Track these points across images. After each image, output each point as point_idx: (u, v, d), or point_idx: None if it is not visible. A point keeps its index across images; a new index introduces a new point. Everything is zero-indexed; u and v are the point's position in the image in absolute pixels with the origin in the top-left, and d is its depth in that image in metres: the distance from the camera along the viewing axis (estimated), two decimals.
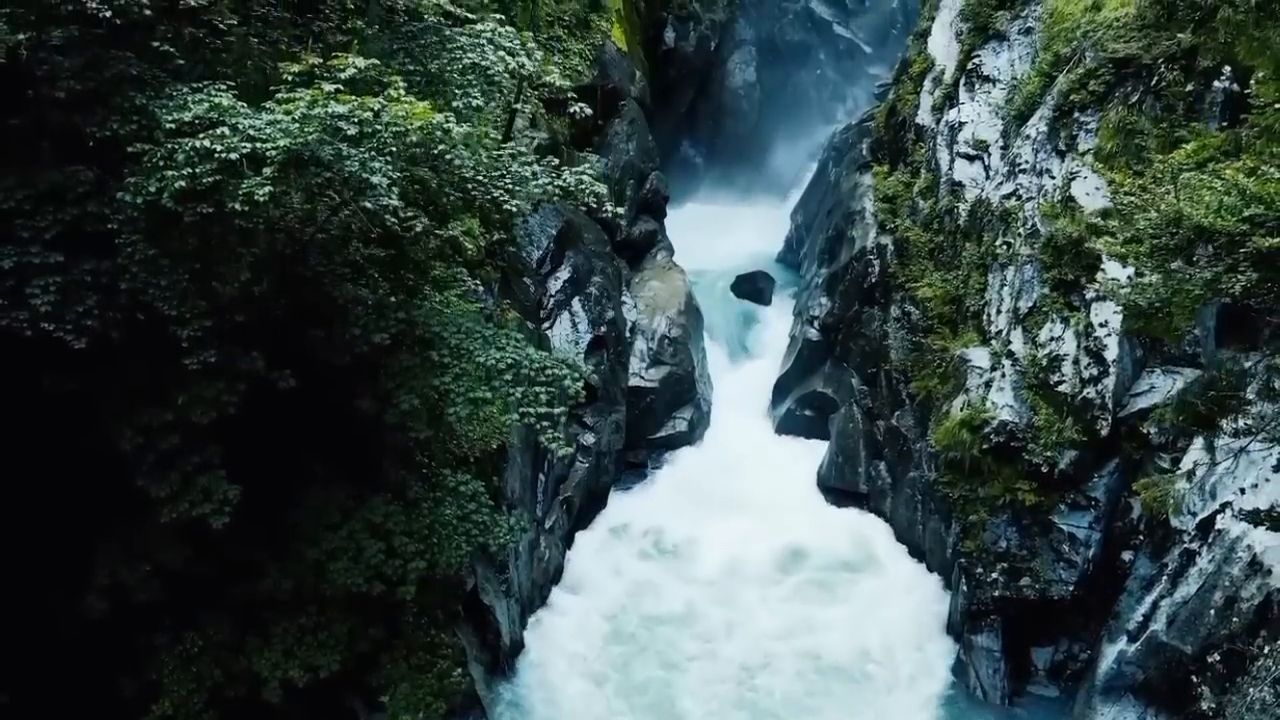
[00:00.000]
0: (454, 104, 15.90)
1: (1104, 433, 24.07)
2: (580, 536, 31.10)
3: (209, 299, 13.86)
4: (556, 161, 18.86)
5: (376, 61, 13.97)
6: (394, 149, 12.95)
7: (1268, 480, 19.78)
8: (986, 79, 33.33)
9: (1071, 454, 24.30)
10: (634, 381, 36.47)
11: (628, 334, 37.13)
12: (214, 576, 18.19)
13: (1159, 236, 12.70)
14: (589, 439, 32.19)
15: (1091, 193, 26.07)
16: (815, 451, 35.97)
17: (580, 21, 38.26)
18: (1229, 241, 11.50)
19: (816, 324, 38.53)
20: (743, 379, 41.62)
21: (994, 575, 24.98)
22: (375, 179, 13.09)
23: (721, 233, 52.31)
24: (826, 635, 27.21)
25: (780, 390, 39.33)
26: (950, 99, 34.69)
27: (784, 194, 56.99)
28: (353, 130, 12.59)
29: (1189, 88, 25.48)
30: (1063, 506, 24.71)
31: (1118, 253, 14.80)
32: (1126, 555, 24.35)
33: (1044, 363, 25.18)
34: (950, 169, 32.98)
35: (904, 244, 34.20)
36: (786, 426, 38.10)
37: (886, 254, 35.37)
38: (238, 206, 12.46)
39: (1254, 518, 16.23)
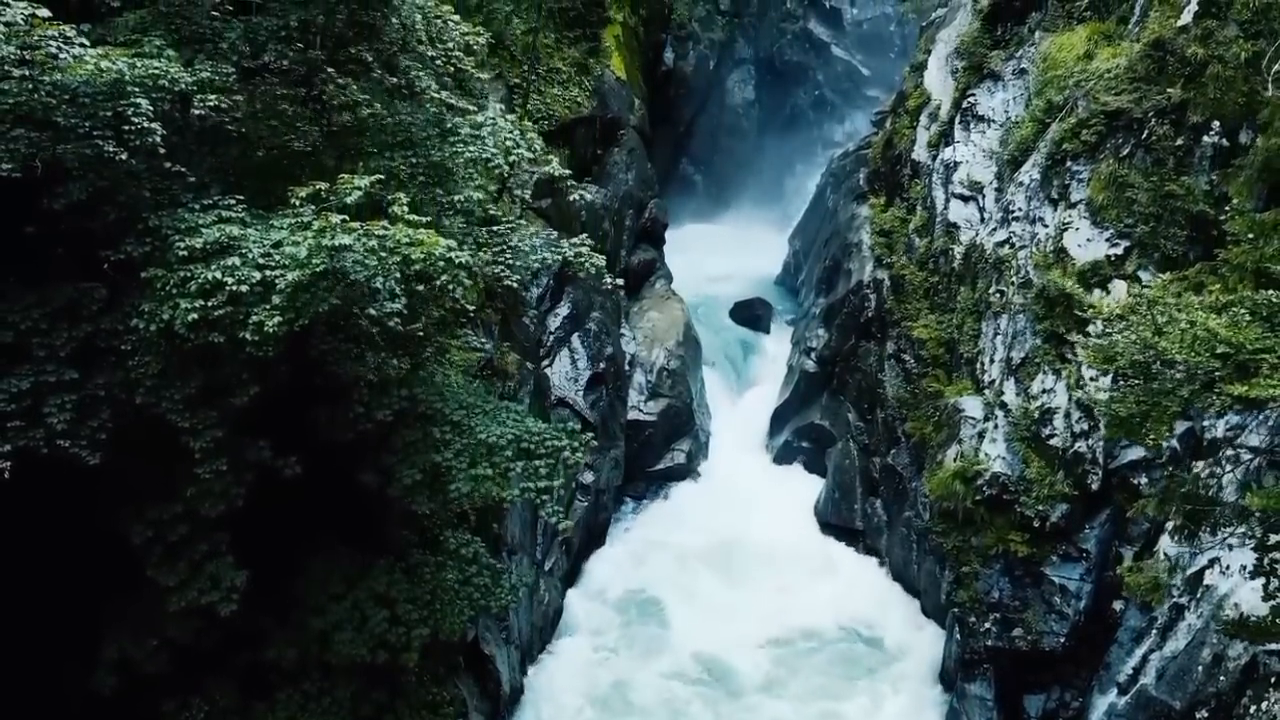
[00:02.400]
0: (455, 197, 16.30)
1: (1095, 487, 24.42)
2: (579, 576, 31.39)
3: (219, 409, 14.24)
4: (555, 233, 19.22)
5: (381, 177, 14.34)
6: (398, 274, 13.33)
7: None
8: (981, 118, 33.65)
9: (1063, 507, 24.67)
10: (632, 414, 36.83)
11: (626, 367, 37.47)
12: (220, 645, 18.55)
13: (1136, 354, 13.07)
14: (588, 477, 32.51)
15: (1084, 244, 26.42)
16: (812, 485, 36.36)
17: (580, 67, 38.44)
18: (1203, 375, 11.91)
19: (814, 355, 38.91)
20: (741, 407, 42.04)
21: (987, 625, 25.36)
22: (378, 284, 13.47)
23: (720, 253, 52.72)
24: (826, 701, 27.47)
25: (778, 420, 39.70)
26: (946, 136, 35.03)
27: (782, 213, 57.40)
28: (358, 261, 12.96)
29: (1179, 142, 25.74)
30: (1054, 558, 25.06)
31: (1098, 366, 15.16)
32: (1117, 605, 24.66)
33: (1036, 415, 25.53)
34: (945, 209, 33.34)
35: (900, 281, 34.59)
36: (784, 457, 38.48)
37: (883, 289, 35.76)
38: (248, 336, 12.85)
39: (1239, 628, 16.69)
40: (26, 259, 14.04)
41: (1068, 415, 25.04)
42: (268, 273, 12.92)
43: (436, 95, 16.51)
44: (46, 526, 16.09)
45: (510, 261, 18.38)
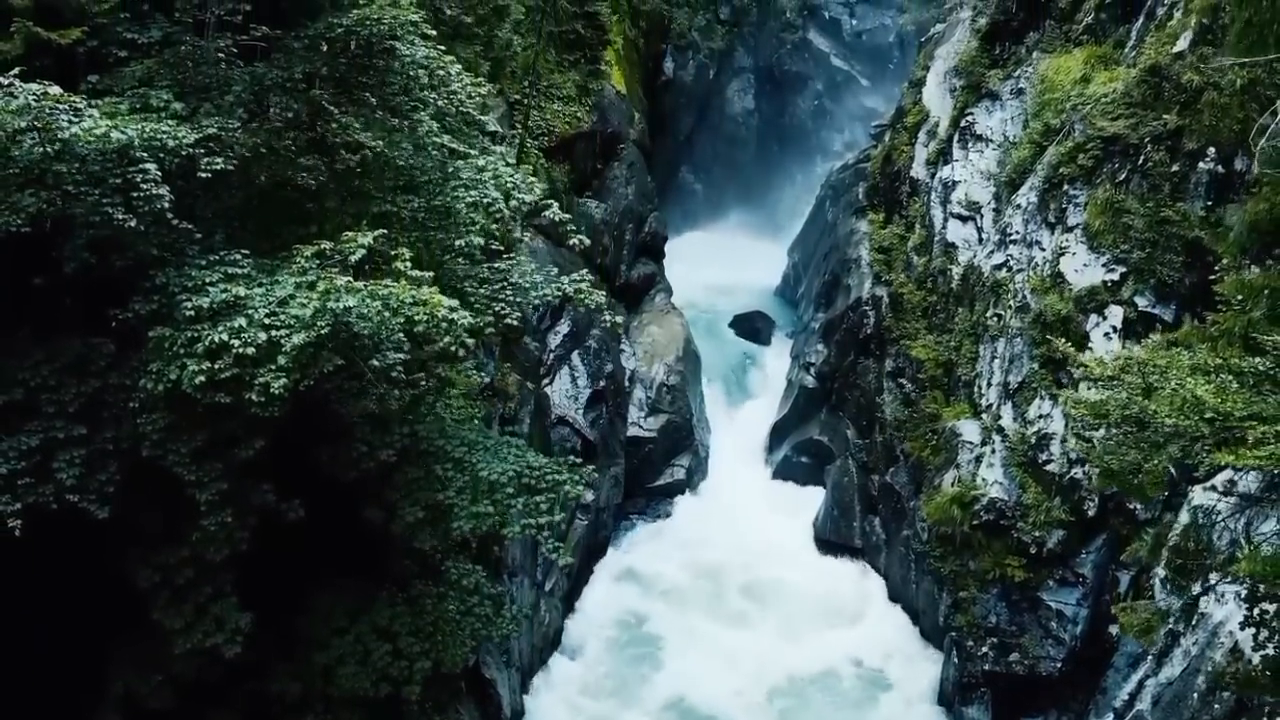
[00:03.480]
0: (457, 242, 16.49)
1: (1091, 513, 24.64)
2: (580, 594, 31.57)
3: (225, 461, 14.44)
4: (556, 270, 19.40)
5: (384, 232, 14.53)
6: (401, 334, 13.52)
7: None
8: (979, 138, 33.85)
9: (1059, 534, 24.89)
10: (632, 431, 36.99)
11: (626, 383, 37.65)
12: (223, 678, 18.73)
13: (1126, 410, 13.27)
14: (588, 496, 32.55)
15: (1080, 269, 26.61)
16: (811, 501, 36.52)
17: (582, 89, 38.63)
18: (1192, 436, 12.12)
19: (813, 371, 39.11)
20: (741, 421, 42.23)
21: (984, 649, 25.58)
22: (382, 336, 13.68)
23: (720, 262, 53.00)
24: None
25: (777, 435, 39.89)
26: (944, 155, 35.23)
27: (782, 222, 57.66)
28: (363, 315, 13.15)
29: (1175, 168, 25.96)
30: (1051, 583, 25.28)
31: (1088, 423, 15.35)
32: (1114, 629, 24.87)
33: (1033, 440, 25.74)
34: (944, 228, 33.53)
35: (898, 299, 34.78)
36: (783, 472, 38.65)
37: (881, 306, 35.96)
38: (255, 397, 13.05)
39: (1229, 679, 16.85)
40: (35, 310, 14.21)
41: (1064, 441, 25.24)
42: (273, 333, 13.10)
43: (438, 140, 16.68)
44: (53, 568, 16.27)
45: (511, 299, 18.54)
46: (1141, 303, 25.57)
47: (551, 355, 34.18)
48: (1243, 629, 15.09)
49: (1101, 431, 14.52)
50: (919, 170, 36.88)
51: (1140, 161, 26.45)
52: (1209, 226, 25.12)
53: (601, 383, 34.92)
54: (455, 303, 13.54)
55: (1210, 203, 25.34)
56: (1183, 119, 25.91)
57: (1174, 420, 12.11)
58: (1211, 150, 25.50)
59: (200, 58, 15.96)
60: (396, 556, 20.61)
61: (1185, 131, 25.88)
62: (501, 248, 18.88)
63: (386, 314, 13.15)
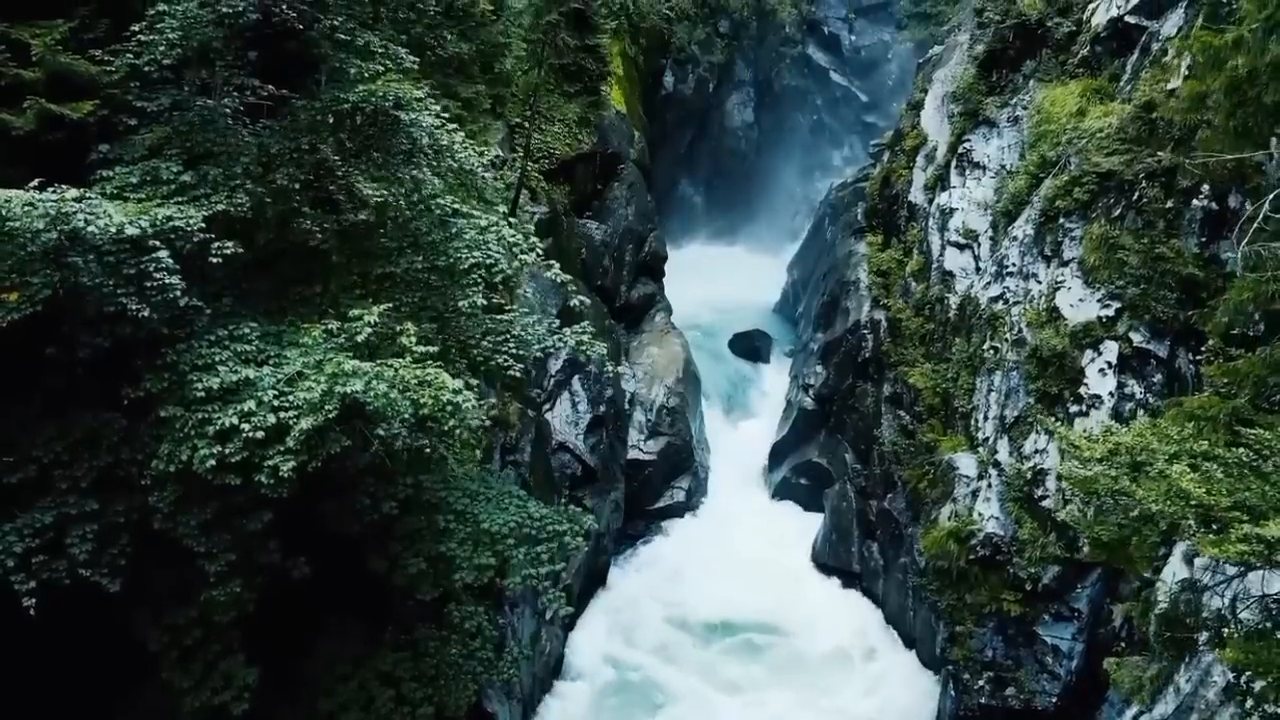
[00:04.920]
0: (460, 304, 16.77)
1: (1086, 549, 24.86)
2: (579, 623, 31.83)
3: (233, 531, 14.72)
4: (559, 323, 19.69)
5: (390, 306, 14.80)
6: (407, 414, 13.80)
7: None
8: (977, 165, 34.09)
9: (1055, 569, 25.14)
10: (632, 454, 37.26)
11: (626, 405, 37.91)
12: None
13: (1115, 488, 13.53)
14: (588, 522, 32.89)
15: (1076, 304, 26.85)
16: (810, 523, 36.81)
17: (582, 121, 38.85)
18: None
19: (812, 393, 39.40)
20: (740, 440, 42.52)
21: (981, 683, 25.84)
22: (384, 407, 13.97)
23: (720, 275, 53.29)
24: None
25: (776, 456, 40.20)
26: (942, 180, 35.48)
27: (781, 235, 58.05)
28: (370, 401, 13.46)
29: (1169, 204, 26.16)
30: (1047, 617, 25.53)
31: (1077, 493, 15.58)
32: (1109, 663, 25.15)
33: (1028, 475, 25.97)
34: (941, 255, 33.78)
35: (896, 324, 35.05)
36: (782, 494, 39.00)
37: (880, 330, 36.24)
38: (264, 480, 13.34)
39: None
40: (47, 381, 14.46)
41: (1059, 477, 25.46)
42: (282, 415, 13.40)
43: (442, 201, 16.95)
44: (60, 629, 16.52)
45: (514, 350, 18.81)
46: (1137, 338, 25.79)
47: (552, 381, 34.43)
48: (1227, 697, 15.33)
49: (1091, 508, 14.79)
50: (917, 195, 37.13)
51: (1135, 197, 26.67)
52: (1203, 263, 25.38)
53: (602, 407, 35.17)
54: (460, 384, 13.80)
55: (1204, 239, 25.55)
56: (1176, 156, 26.09)
57: (1160, 507, 12.39)
58: (1205, 187, 25.73)
59: (209, 120, 16.22)
60: (400, 600, 20.87)
61: (1179, 168, 26.09)
62: (503, 301, 19.08)
63: (394, 394, 13.43)
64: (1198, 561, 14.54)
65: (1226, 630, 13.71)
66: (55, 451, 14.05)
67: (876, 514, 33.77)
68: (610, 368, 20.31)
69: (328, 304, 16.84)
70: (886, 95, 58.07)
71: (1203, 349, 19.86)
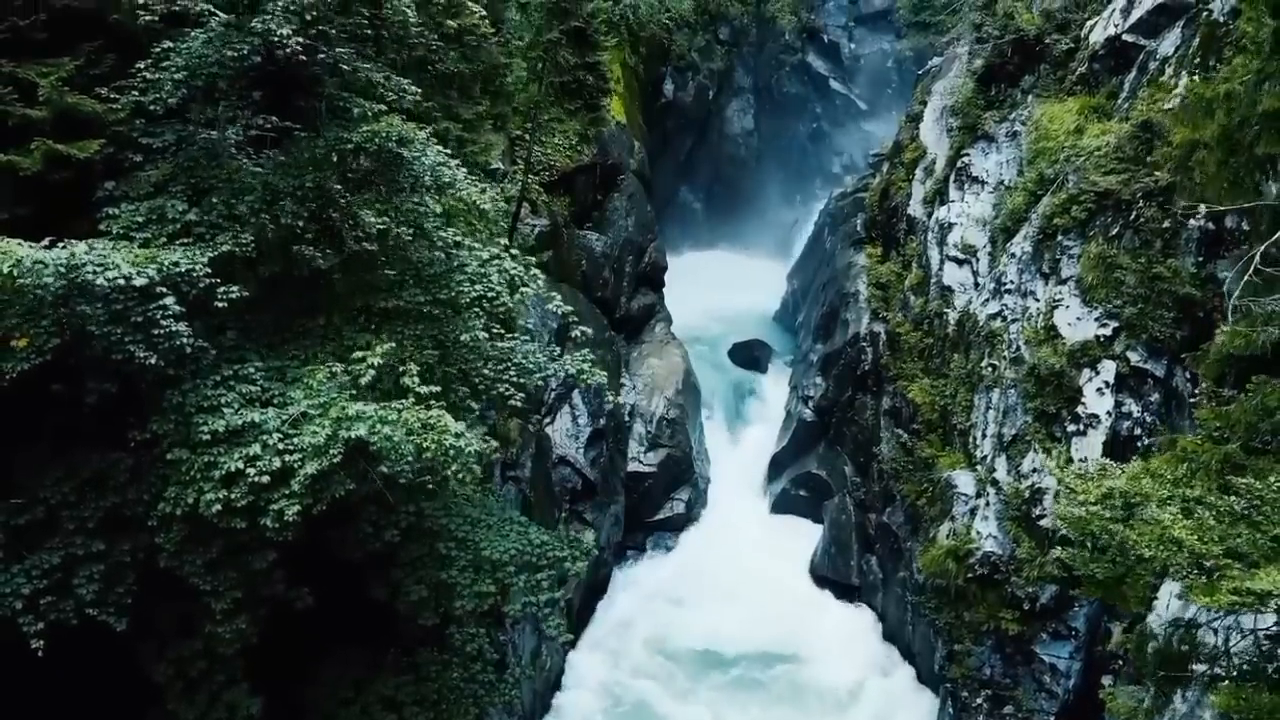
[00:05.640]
0: (462, 336, 16.92)
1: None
2: (580, 637, 31.98)
3: (239, 569, 14.88)
4: (559, 350, 19.84)
5: (393, 345, 14.94)
6: (409, 457, 13.96)
7: None
8: (975, 179, 34.22)
9: (1052, 589, 25.28)
10: (633, 466, 37.40)
11: (626, 418, 38.05)
12: None
13: (1109, 529, 13.68)
14: (589, 536, 33.11)
15: (1073, 323, 26.99)
16: (809, 535, 36.95)
17: (582, 137, 38.97)
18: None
19: (811, 405, 39.55)
20: (740, 450, 42.66)
21: (979, 701, 26.03)
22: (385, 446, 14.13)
23: (719, 283, 53.35)
24: None
25: (776, 467, 40.33)
26: (940, 195, 35.59)
27: (781, 242, 58.04)
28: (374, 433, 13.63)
29: (1166, 224, 26.28)
30: (1044, 636, 25.69)
31: (1071, 529, 15.73)
32: (1107, 680, 25.28)
33: (1026, 494, 26.12)
34: (940, 270, 33.91)
35: (896, 337, 35.19)
36: (782, 505, 39.12)
37: (879, 343, 36.38)
38: (269, 523, 13.50)
39: None
40: (54, 419, 14.62)
41: (1057, 496, 25.61)
42: (287, 458, 13.56)
43: (444, 234, 17.11)
44: (64, 661, 16.67)
45: (515, 379, 18.95)
46: (1134, 358, 25.94)
47: (552, 395, 34.56)
48: None
49: (1087, 547, 14.96)
50: (916, 208, 37.26)
51: (1132, 216, 26.80)
52: (1200, 283, 25.51)
53: (602, 420, 35.32)
54: (462, 426, 13.95)
55: (1201, 259, 25.69)
56: (1173, 176, 26.21)
57: (1152, 553, 12.56)
58: (1202, 207, 25.81)
59: (213, 153, 16.38)
60: (401, 623, 21.03)
61: (1176, 188, 26.20)
62: (503, 331, 19.22)
63: (398, 437, 13.59)
64: (1178, 610, 14.67)
65: (1220, 668, 13.86)
66: (63, 492, 14.22)
67: (875, 528, 33.91)
68: (610, 397, 20.18)
69: (331, 335, 16.98)
70: (886, 103, 58.13)
71: (1197, 390, 20.00)
